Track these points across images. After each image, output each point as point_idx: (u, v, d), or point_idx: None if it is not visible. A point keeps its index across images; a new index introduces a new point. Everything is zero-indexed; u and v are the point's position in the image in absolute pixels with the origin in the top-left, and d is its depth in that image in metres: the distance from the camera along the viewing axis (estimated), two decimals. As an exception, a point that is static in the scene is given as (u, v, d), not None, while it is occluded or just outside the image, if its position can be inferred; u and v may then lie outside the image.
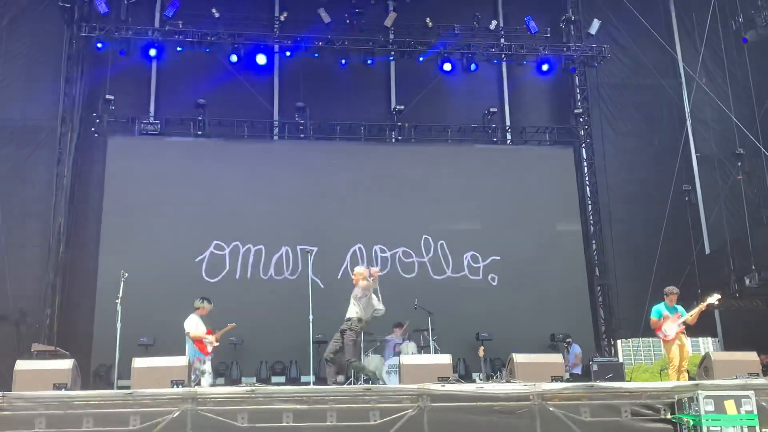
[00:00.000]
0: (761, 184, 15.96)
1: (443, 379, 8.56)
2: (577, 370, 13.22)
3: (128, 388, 8.14)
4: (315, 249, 12.03)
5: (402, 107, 16.85)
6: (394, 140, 16.97)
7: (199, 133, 16.06)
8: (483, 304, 15.48)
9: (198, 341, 10.70)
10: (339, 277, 15.16)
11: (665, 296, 10.89)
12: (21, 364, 8.31)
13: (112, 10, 15.22)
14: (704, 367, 9.67)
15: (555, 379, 8.86)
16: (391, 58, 17.09)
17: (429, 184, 16.33)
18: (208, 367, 10.74)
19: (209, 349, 10.83)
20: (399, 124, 16.89)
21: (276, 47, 16.45)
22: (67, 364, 8.37)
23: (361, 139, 16.73)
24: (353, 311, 10.24)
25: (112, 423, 7.29)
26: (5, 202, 14.51)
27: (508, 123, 17.77)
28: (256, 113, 16.68)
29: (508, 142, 17.62)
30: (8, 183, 14.78)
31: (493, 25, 16.90)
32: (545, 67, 16.83)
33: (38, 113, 15.53)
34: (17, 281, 14.30)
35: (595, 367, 11.62)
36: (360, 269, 10.55)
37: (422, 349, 12.99)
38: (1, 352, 13.05)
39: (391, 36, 16.65)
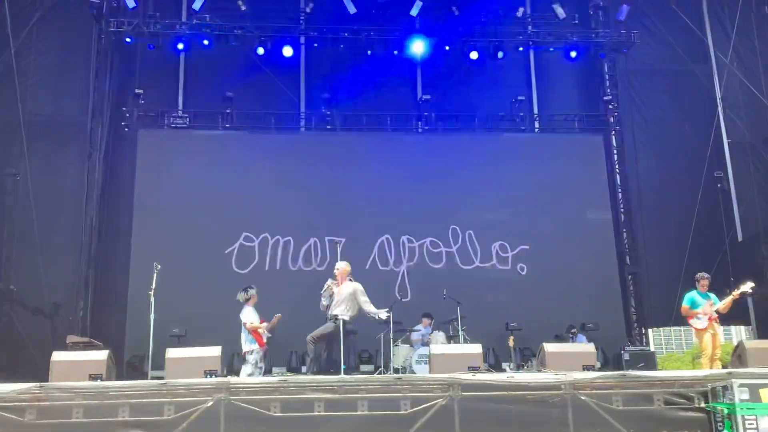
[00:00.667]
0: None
1: (474, 369, 8.56)
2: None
3: (161, 378, 8.26)
4: (343, 240, 12.08)
5: (428, 97, 16.78)
6: (420, 130, 16.92)
7: (227, 125, 16.16)
8: (512, 293, 15.43)
9: (254, 332, 10.70)
10: (367, 267, 15.20)
11: (696, 282, 10.78)
12: (57, 356, 8.46)
13: (139, 4, 15.32)
14: (738, 356, 9.56)
15: (586, 368, 8.81)
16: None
17: (456, 174, 16.26)
18: (252, 358, 10.64)
19: (264, 340, 10.76)
20: (425, 113, 16.83)
21: (302, 39, 16.47)
22: (102, 355, 8.51)
23: (388, 130, 16.71)
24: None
25: (148, 412, 7.42)
26: (38, 196, 14.72)
27: (536, 111, 17.62)
28: (284, 105, 16.73)
29: (536, 130, 17.47)
30: (40, 177, 14.98)
31: (520, 12, 16.74)
32: (573, 54, 16.63)
33: (69, 108, 15.71)
34: (51, 275, 14.51)
35: (626, 356, 11.56)
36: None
37: (451, 338, 12.99)
38: (36, 344, 13.32)
39: (417, 25, 16.57)
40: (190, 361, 8.29)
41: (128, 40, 15.61)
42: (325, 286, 10.54)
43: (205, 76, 16.69)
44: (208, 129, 16.21)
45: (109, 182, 15.55)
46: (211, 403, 7.39)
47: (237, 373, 10.70)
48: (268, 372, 13.06)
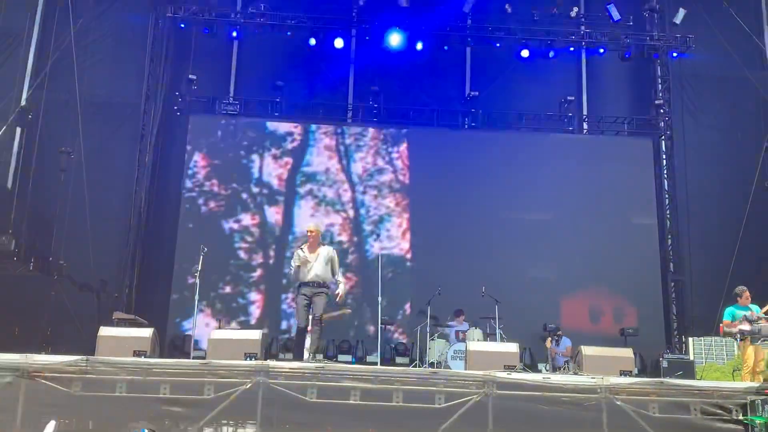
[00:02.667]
0: None
1: (510, 368, 8.59)
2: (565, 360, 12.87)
3: (203, 358, 8.46)
4: (381, 232, 12.16)
5: (476, 93, 16.75)
6: (467, 126, 16.90)
7: (276, 114, 16.36)
8: (552, 294, 15.36)
9: None
10: (408, 265, 15.36)
11: (737, 297, 10.58)
12: (104, 330, 8.72)
13: (197, -9, 15.62)
14: (780, 369, 9.42)
15: (624, 373, 8.77)
16: (468, 43, 16.96)
17: (501, 173, 16.22)
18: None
19: None
20: (473, 110, 16.81)
21: (353, 31, 16.59)
22: (147, 332, 8.74)
23: (434, 125, 16.73)
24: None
25: (188, 391, 7.60)
26: (90, 175, 15.06)
27: (585, 112, 17.47)
28: (332, 96, 16.86)
29: (585, 131, 17.33)
30: (94, 157, 15.29)
31: (573, 12, 16.60)
32: (626, 56, 16.45)
33: (123, 90, 16.03)
34: (99, 252, 14.81)
35: (665, 364, 11.44)
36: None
37: (488, 336, 13.00)
38: (83, 319, 13.68)
39: (469, 21, 16.54)
40: (232, 343, 8.47)
41: (182, 25, 15.88)
42: (296, 255, 9.57)
43: (257, 65, 16.94)
44: (258, 116, 16.42)
45: (159, 165, 15.90)
46: (249, 385, 7.55)
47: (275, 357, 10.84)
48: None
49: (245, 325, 14.64)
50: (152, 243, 15.60)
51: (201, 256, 9.79)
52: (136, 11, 16.11)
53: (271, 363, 7.90)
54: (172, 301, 14.65)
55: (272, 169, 16.03)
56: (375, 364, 11.98)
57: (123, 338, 8.62)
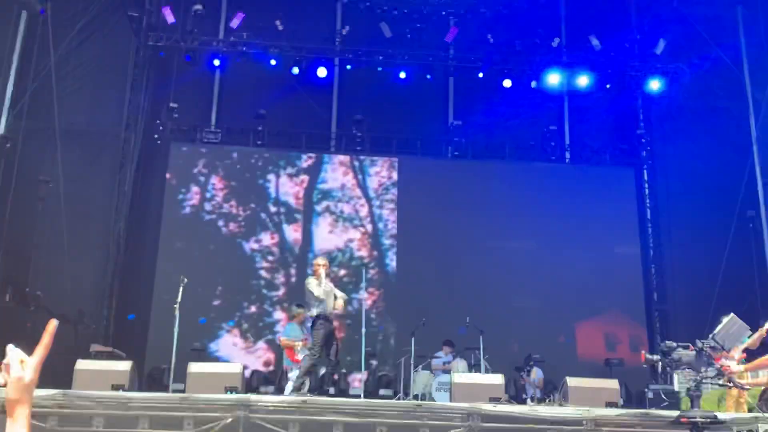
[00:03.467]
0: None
1: (495, 399, 8.47)
2: (539, 394, 12.76)
3: (182, 391, 8.26)
4: (365, 263, 12.05)
5: (459, 122, 16.79)
6: (450, 155, 16.91)
7: (259, 143, 16.28)
8: (535, 325, 15.27)
9: (288, 349, 10.67)
10: (389, 290, 15.20)
11: (720, 325, 10.53)
12: (81, 364, 8.52)
13: (178, 20, 15.54)
14: (765, 399, 9.35)
15: (609, 404, 8.69)
16: (451, 73, 17.04)
17: (484, 201, 16.23)
18: (293, 375, 10.63)
19: (299, 357, 10.68)
20: (456, 139, 16.83)
21: (336, 60, 16.61)
22: (125, 365, 8.55)
23: (417, 154, 16.73)
24: None
25: (167, 426, 7.40)
26: (69, 204, 14.88)
27: (567, 141, 17.56)
28: (315, 125, 16.83)
29: (567, 160, 17.40)
30: (72, 186, 15.13)
31: (555, 42, 16.74)
32: (608, 86, 16.58)
33: (103, 119, 15.93)
34: (77, 282, 14.58)
35: (650, 395, 11.35)
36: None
37: (473, 367, 12.86)
38: (59, 350, 13.32)
39: (452, 51, 16.63)
40: (212, 376, 8.30)
41: (162, 54, 15.80)
42: (315, 284, 9.86)
43: (239, 94, 16.86)
44: (240, 145, 16.33)
45: (139, 194, 15.70)
46: (230, 420, 7.36)
47: (256, 391, 10.66)
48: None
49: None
50: (131, 273, 15.35)
51: (181, 287, 9.62)
52: (117, 39, 16.04)
53: (253, 397, 7.74)
54: (151, 333, 14.38)
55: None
56: (359, 396, 11.78)
57: (101, 371, 8.43)
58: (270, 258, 15.64)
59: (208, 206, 15.81)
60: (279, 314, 15.17)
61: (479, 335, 12.65)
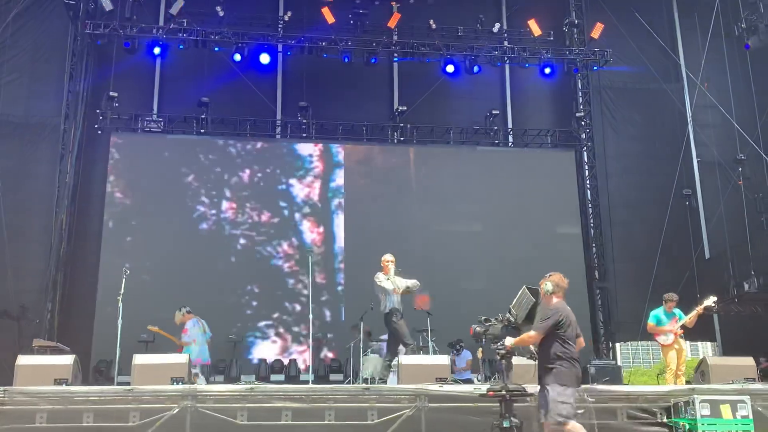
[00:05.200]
0: (762, 189, 16.02)
1: (441, 380, 8.61)
2: (467, 376, 13.07)
3: (128, 384, 8.20)
4: (314, 249, 12.09)
5: (404, 108, 16.88)
6: (396, 141, 17.01)
7: (202, 131, 16.10)
8: (482, 305, 15.44)
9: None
10: (337, 277, 15.26)
11: (664, 302, 10.88)
12: (22, 359, 8.37)
13: (117, 7, 15.22)
14: (701, 372, 9.72)
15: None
16: (394, 58, 17.10)
17: (430, 186, 16.39)
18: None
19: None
20: (401, 125, 16.92)
21: (279, 46, 16.49)
22: (68, 359, 8.43)
23: (363, 139, 16.77)
24: None
25: (112, 419, 7.36)
26: (8, 197, 14.57)
27: (510, 125, 17.81)
28: (260, 112, 16.71)
29: (510, 144, 17.66)
30: (11, 178, 14.83)
31: (496, 27, 16.92)
32: (548, 71, 16.85)
33: (42, 109, 15.59)
34: (19, 276, 14.34)
35: (592, 370, 11.64)
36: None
37: (421, 349, 13.01)
38: (1, 347, 13.13)
39: (395, 37, 16.67)
40: (158, 367, 8.24)
41: (99, 42, 15.47)
42: (383, 278, 10.33)
43: (181, 81, 16.62)
44: (183, 134, 16.13)
45: (80, 185, 15.41)
46: (177, 411, 7.36)
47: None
48: (236, 380, 13.06)
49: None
50: (75, 266, 15.08)
51: (124, 278, 9.52)
52: (54, 28, 15.69)
53: (199, 387, 7.74)
54: (96, 326, 14.17)
55: (195, 187, 15.80)
56: (308, 382, 11.84)
57: (43, 366, 8.29)
58: (214, 246, 15.54)
59: (150, 196, 15.57)
60: (224, 300, 15.10)
61: (427, 317, 12.79)
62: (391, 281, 10.29)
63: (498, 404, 7.01)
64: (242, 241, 15.69)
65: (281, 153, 16.58)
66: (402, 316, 10.33)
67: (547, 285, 6.86)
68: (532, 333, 6.72)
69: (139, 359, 8.49)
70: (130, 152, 15.79)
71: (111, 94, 15.55)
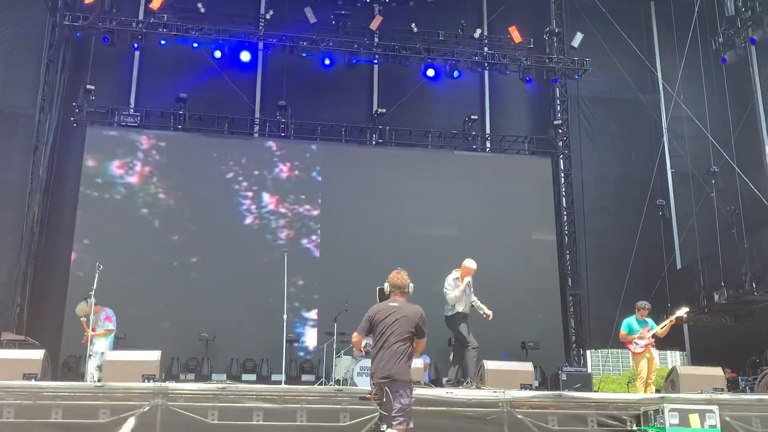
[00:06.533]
0: (734, 202, 16.25)
1: (414, 383, 8.60)
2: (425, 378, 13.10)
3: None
4: (287, 250, 12.06)
5: (383, 110, 16.90)
6: (374, 143, 17.01)
7: (179, 127, 15.98)
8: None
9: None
10: (313, 279, 15.22)
11: (636, 310, 10.99)
12: (-10, 353, 8.25)
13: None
14: (671, 381, 9.82)
15: (524, 387, 8.95)
16: (375, 61, 17.12)
17: (408, 189, 16.39)
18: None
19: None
20: (380, 127, 16.94)
21: (260, 45, 16.44)
22: (37, 354, 8.32)
23: (342, 141, 16.75)
24: None
25: (82, 415, 7.25)
26: (-20, 189, 14.37)
27: (488, 131, 17.90)
28: (238, 110, 16.62)
29: (488, 149, 17.75)
30: (-17, 170, 14.63)
31: (477, 33, 17.02)
32: (527, 77, 16.97)
33: (17, 100, 15.38)
34: (-11, 269, 14.13)
35: (563, 377, 11.73)
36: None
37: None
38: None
39: (376, 39, 16.70)
40: (129, 364, 8.15)
41: (78, 34, 15.31)
42: (454, 285, 10.34)
43: (160, 76, 16.50)
44: (160, 129, 16.00)
45: (54, 178, 15.23)
46: (147, 408, 7.27)
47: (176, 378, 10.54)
48: (207, 378, 12.97)
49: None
50: (46, 260, 14.89)
51: (96, 274, 9.41)
52: (32, 18, 15.47)
53: (171, 385, 7.64)
54: (67, 321, 13.98)
55: (171, 182, 15.66)
56: (280, 382, 11.80)
57: (11, 360, 8.17)
58: (194, 243, 15.43)
59: (126, 191, 15.41)
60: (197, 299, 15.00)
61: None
62: (463, 299, 10.40)
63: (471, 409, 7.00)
64: (221, 239, 15.59)
65: (257, 150, 16.48)
66: (464, 319, 10.35)
67: (385, 286, 6.84)
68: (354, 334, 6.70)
69: (110, 356, 8.40)
70: (106, 146, 15.60)
71: (88, 86, 15.41)
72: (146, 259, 15.02)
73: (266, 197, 15.92)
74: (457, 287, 10.30)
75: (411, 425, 6.20)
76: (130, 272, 14.55)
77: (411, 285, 6.87)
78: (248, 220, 15.74)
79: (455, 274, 10.38)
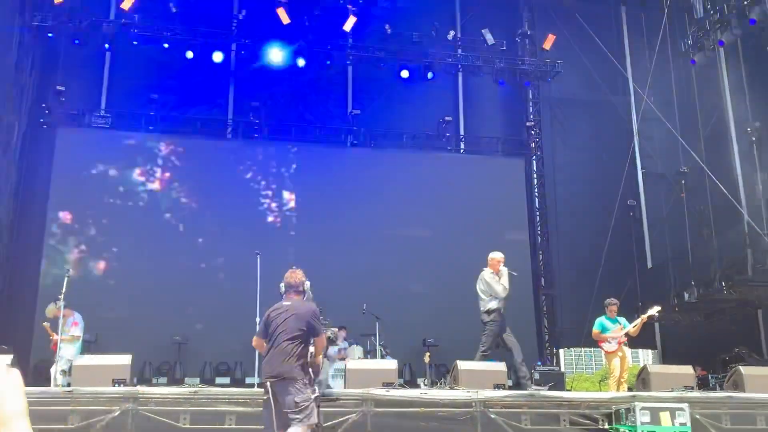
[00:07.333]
0: (703, 201, 16.46)
1: (388, 385, 8.61)
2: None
3: (68, 385, 8.01)
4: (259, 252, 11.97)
5: (358, 111, 16.90)
6: (349, 144, 17.01)
7: (151, 128, 15.84)
8: (431, 310, 15.59)
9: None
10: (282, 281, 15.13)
11: (605, 308, 11.10)
12: (-43, 358, 8.10)
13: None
14: (642, 379, 9.92)
15: (497, 386, 8.98)
16: (349, 62, 17.11)
17: (382, 190, 16.41)
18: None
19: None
20: (355, 128, 16.93)
21: (233, 46, 16.35)
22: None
23: (316, 142, 16.72)
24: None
25: (51, 421, 7.16)
26: (-54, 192, 14.11)
27: (462, 132, 17.97)
28: (211, 111, 16.52)
29: (462, 151, 17.82)
30: (-51, 173, 14.37)
31: (450, 35, 17.09)
32: (500, 80, 17.08)
33: (-15, 102, 15.14)
34: (-43, 273, 13.90)
35: (536, 376, 11.80)
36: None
37: (368, 353, 13.03)
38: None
39: (350, 40, 16.68)
40: (99, 369, 8.06)
41: (50, 35, 15.13)
42: (496, 281, 9.94)
43: (131, 77, 16.32)
44: (131, 131, 15.84)
45: (24, 180, 15.01)
46: (118, 413, 7.20)
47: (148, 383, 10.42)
48: (180, 382, 12.86)
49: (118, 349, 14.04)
50: (15, 263, 14.67)
51: (66, 278, 9.29)
52: (0, 17, 15.22)
53: (141, 389, 7.58)
54: (37, 325, 13.78)
55: (143, 185, 15.52)
56: (254, 385, 11.72)
57: (-22, 366, 8.01)
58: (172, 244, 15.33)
59: (97, 193, 15.25)
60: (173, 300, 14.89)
61: (375, 321, 12.82)
62: (504, 285, 9.95)
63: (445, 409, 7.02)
64: (198, 240, 15.50)
65: (232, 152, 16.41)
66: (499, 320, 9.98)
67: (281, 286, 6.85)
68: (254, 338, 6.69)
69: (80, 360, 8.30)
70: (76, 148, 15.42)
71: (58, 88, 15.22)
72: (121, 263, 14.87)
73: (236, 199, 15.84)
74: (497, 282, 9.97)
75: (313, 420, 6.19)
76: (101, 276, 14.42)
77: (307, 283, 6.83)
78: (218, 223, 15.63)
79: (488, 270, 10.09)
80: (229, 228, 15.60)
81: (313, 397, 6.30)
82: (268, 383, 6.20)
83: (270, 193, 16.08)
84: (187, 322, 14.64)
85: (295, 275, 6.75)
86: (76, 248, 14.57)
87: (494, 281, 9.98)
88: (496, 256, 10.29)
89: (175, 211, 15.60)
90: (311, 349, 6.46)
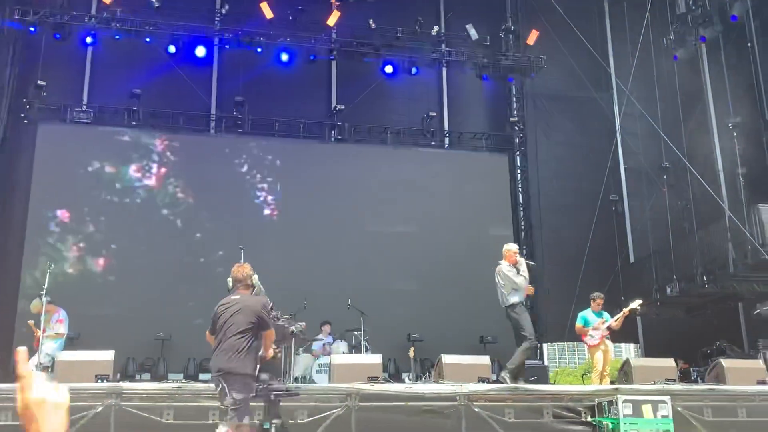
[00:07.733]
0: (685, 196, 16.58)
1: (373, 379, 8.63)
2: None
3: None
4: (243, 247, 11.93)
5: (342, 107, 16.86)
6: (333, 139, 16.97)
7: (134, 123, 15.73)
8: (415, 304, 15.61)
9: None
10: (271, 275, 15.06)
11: (592, 301, 11.17)
12: (-63, 356, 8.04)
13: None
14: (624, 372, 10.01)
15: (481, 380, 9.03)
16: (333, 57, 17.07)
17: (366, 185, 16.41)
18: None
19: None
20: (339, 123, 16.90)
21: (216, 40, 16.25)
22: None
23: (300, 137, 16.68)
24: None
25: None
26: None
27: (446, 127, 17.99)
28: (194, 106, 16.43)
29: (446, 146, 17.84)
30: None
31: (434, 30, 17.08)
32: (483, 75, 17.10)
33: (-36, 97, 14.97)
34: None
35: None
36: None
37: (353, 348, 13.04)
38: None
39: (334, 35, 16.64)
40: (81, 364, 8.02)
41: (32, 29, 14.97)
42: (514, 273, 9.74)
43: (113, 72, 16.19)
44: (113, 125, 15.73)
45: (5, 176, 14.88)
46: (100, 409, 7.17)
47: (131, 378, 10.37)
48: (163, 378, 12.81)
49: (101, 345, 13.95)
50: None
51: (47, 273, 9.22)
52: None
53: (125, 385, 7.56)
54: (18, 321, 13.68)
55: (126, 180, 15.42)
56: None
57: (-41, 363, 7.97)
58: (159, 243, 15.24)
59: (80, 189, 15.13)
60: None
61: (360, 317, 12.83)
62: (523, 276, 9.79)
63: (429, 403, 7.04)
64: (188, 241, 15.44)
65: (213, 148, 16.34)
66: (524, 307, 9.90)
67: (228, 281, 6.82)
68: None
69: (62, 355, 8.26)
70: (58, 143, 15.29)
71: (39, 82, 15.05)
72: (98, 258, 14.77)
73: (220, 195, 15.77)
74: (516, 273, 9.82)
75: (246, 421, 6.14)
76: (83, 271, 14.32)
77: (255, 277, 6.75)
78: (200, 219, 15.56)
79: (505, 263, 9.94)
80: (220, 224, 15.54)
81: (251, 396, 6.24)
82: (220, 378, 6.17)
83: (254, 188, 16.02)
84: (171, 319, 14.57)
85: (242, 269, 6.68)
86: (57, 243, 14.41)
87: (513, 273, 9.86)
88: (512, 247, 10.23)
89: (172, 206, 15.49)
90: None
